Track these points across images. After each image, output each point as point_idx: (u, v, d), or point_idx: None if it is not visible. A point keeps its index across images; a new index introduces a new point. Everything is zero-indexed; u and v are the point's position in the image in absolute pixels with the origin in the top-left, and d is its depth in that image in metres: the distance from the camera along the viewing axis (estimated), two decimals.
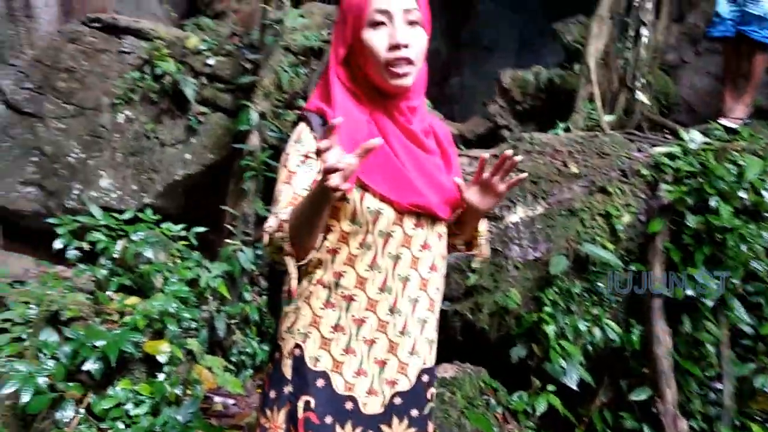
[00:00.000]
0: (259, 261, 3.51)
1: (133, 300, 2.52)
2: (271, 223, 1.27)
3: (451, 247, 1.55)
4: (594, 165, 3.43)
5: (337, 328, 1.32)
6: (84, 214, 3.41)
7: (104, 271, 2.63)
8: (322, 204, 1.17)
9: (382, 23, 1.29)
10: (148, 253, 2.70)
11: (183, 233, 3.11)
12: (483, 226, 1.57)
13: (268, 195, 3.71)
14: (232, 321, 3.30)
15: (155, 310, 2.37)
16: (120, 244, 2.74)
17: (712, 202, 2.92)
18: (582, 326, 3.05)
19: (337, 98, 1.32)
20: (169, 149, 4.12)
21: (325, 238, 1.34)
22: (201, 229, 3.15)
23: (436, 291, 1.42)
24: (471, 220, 1.49)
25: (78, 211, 4.15)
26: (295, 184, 1.30)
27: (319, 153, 1.07)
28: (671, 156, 3.27)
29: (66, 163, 4.24)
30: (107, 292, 2.58)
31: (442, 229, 1.43)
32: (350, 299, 1.33)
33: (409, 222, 1.34)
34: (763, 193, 2.90)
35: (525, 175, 1.43)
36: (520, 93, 5.67)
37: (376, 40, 1.29)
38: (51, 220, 2.80)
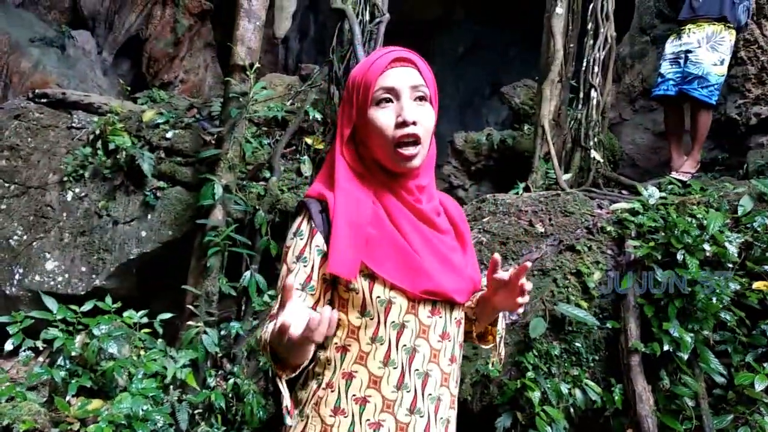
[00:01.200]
0: (224, 342, 3.32)
1: (95, 404, 2.28)
2: (260, 336, 1.17)
3: (464, 335, 1.43)
4: (560, 223, 3.48)
5: None
6: (26, 302, 3.15)
7: (62, 373, 2.37)
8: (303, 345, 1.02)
9: (389, 101, 1.25)
10: (112, 349, 2.48)
11: (145, 320, 2.90)
12: (501, 324, 1.45)
13: (232, 272, 3.56)
14: (196, 411, 3.05)
15: (122, 414, 2.14)
16: (79, 340, 2.51)
17: (679, 256, 2.98)
18: (564, 389, 2.99)
19: (341, 181, 1.25)
20: (123, 227, 3.93)
21: (333, 334, 1.23)
22: (167, 316, 2.94)
23: (455, 385, 1.32)
24: (487, 308, 1.37)
25: (19, 299, 3.86)
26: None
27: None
28: (633, 212, 3.35)
29: (6, 246, 3.97)
30: (66, 397, 2.32)
31: (460, 314, 1.34)
32: (364, 402, 1.20)
33: (424, 310, 1.24)
34: (726, 244, 2.98)
35: (529, 264, 1.35)
36: (474, 154, 5.80)
37: (383, 118, 1.24)
38: (2, 318, 2.54)
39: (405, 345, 1.22)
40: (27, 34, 7.47)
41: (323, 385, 1.23)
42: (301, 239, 1.25)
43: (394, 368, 1.20)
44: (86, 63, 7.93)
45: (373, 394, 1.20)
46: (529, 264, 1.27)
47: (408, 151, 1.23)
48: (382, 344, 1.20)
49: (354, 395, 1.20)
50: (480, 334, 1.47)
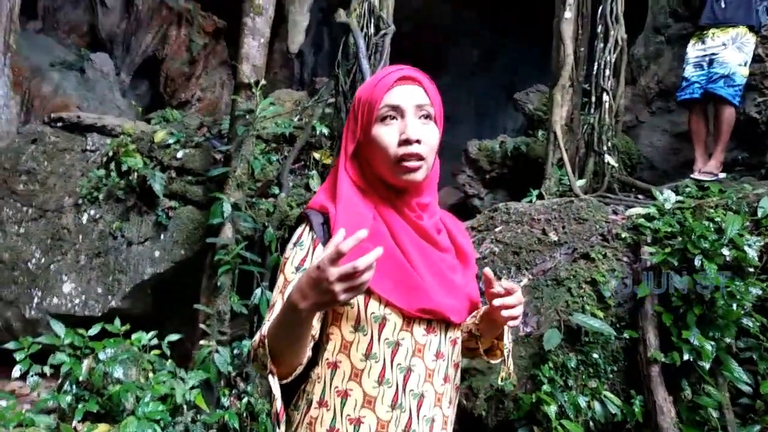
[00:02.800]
0: (237, 361, 3.31)
1: (102, 429, 2.28)
2: (255, 338, 1.16)
3: (470, 351, 1.42)
4: (573, 231, 3.41)
5: None
6: (45, 325, 3.19)
7: (69, 399, 2.38)
8: (293, 321, 1.05)
9: (394, 118, 1.25)
10: (118, 373, 2.49)
11: (155, 341, 2.91)
12: (507, 338, 1.42)
13: (243, 290, 3.56)
14: (210, 431, 3.05)
15: None
16: (86, 365, 2.52)
17: (697, 262, 2.89)
18: (582, 402, 2.92)
19: (344, 195, 1.25)
20: (137, 247, 3.97)
21: (325, 349, 1.22)
22: (174, 338, 2.94)
23: (448, 406, 1.28)
24: (490, 322, 1.35)
25: (39, 322, 3.92)
26: (286, 294, 1.18)
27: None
28: (649, 217, 3.27)
29: (25, 269, 4.04)
30: (73, 422, 2.33)
31: (455, 333, 1.31)
32: (358, 422, 1.18)
33: (419, 329, 1.22)
34: (745, 248, 2.89)
35: (526, 281, 1.34)
36: (488, 162, 5.75)
37: (387, 135, 1.24)
38: (10, 345, 2.57)
39: (400, 364, 1.20)
40: (47, 59, 7.66)
41: (315, 405, 1.21)
42: (302, 249, 1.24)
43: (389, 387, 1.18)
44: (105, 84, 8.09)
45: (368, 414, 1.18)
46: (517, 286, 1.25)
47: (411, 163, 1.22)
48: (376, 362, 1.18)
49: (348, 415, 1.18)
50: (487, 350, 1.44)
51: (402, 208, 1.26)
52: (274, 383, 1.12)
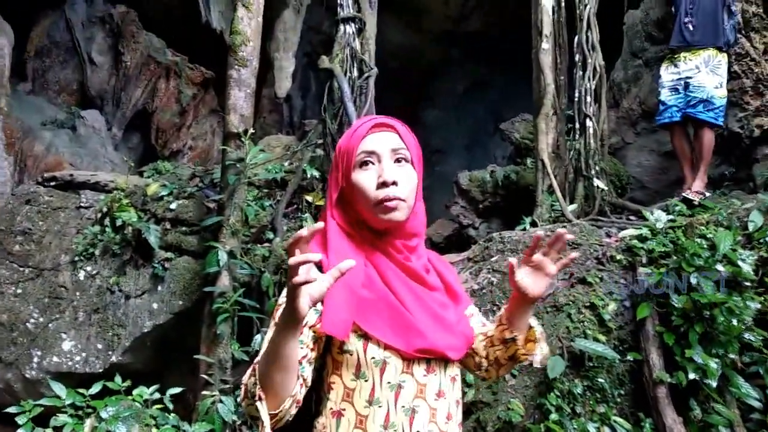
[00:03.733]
0: (241, 409, 3.27)
1: None
2: (246, 374, 1.17)
3: (511, 360, 1.38)
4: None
5: None
6: (46, 384, 3.15)
7: None
8: (288, 328, 1.06)
9: (371, 163, 1.29)
10: (120, 430, 2.46)
11: (157, 395, 2.88)
12: (535, 322, 1.42)
13: (243, 336, 3.55)
14: None
15: None
16: (88, 425, 2.49)
17: (693, 280, 2.91)
18: (591, 428, 2.89)
19: (333, 242, 1.28)
20: (135, 301, 3.95)
21: (327, 399, 1.22)
22: (176, 390, 2.92)
23: None
24: (522, 313, 1.34)
25: (40, 382, 3.87)
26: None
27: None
28: (642, 238, 3.30)
29: (24, 330, 4.01)
30: None
31: (454, 371, 1.32)
32: None
33: (419, 369, 1.24)
34: (739, 263, 2.91)
35: (576, 254, 1.36)
36: (480, 192, 5.80)
37: (365, 179, 1.28)
38: (11, 409, 2.54)
39: (404, 406, 1.21)
40: (39, 119, 7.75)
41: None
42: None
43: (395, 431, 1.19)
44: (97, 140, 8.18)
45: None
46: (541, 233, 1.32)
47: (389, 203, 1.25)
48: (380, 407, 1.19)
49: None
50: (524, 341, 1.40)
51: (389, 250, 1.29)
52: (263, 409, 1.10)
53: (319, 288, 1.03)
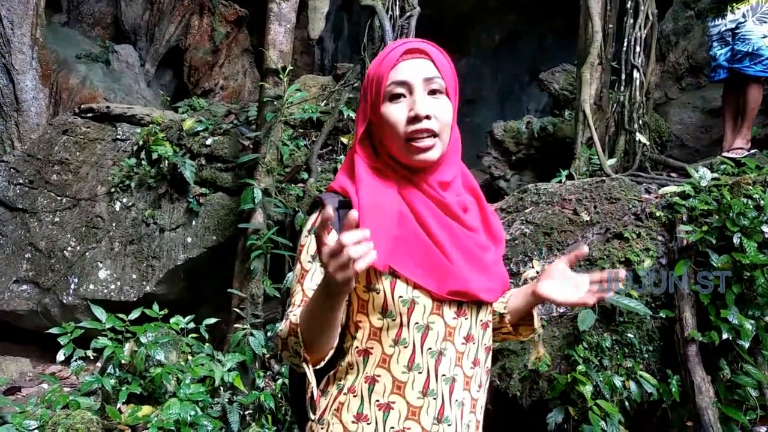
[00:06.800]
0: (271, 343, 3.36)
1: (145, 410, 2.33)
2: (282, 327, 1.14)
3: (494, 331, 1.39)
4: (605, 211, 3.36)
5: None
6: (82, 310, 3.27)
7: (113, 381, 2.44)
8: (332, 299, 1.02)
9: (402, 95, 1.18)
10: (159, 356, 2.53)
11: (192, 325, 2.96)
12: (537, 321, 1.41)
13: (276, 273, 3.60)
14: (246, 412, 3.10)
15: (171, 420, 2.19)
16: (128, 348, 2.58)
17: (735, 239, 2.84)
18: (617, 382, 2.90)
19: (362, 176, 1.20)
20: (169, 234, 4.03)
21: (354, 338, 1.19)
22: (212, 321, 3.00)
23: (477, 390, 1.24)
24: (525, 306, 1.36)
25: (76, 307, 4.01)
26: (306, 283, 1.17)
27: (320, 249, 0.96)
28: (684, 195, 3.21)
29: (61, 257, 4.13)
30: (117, 404, 2.39)
31: (486, 316, 1.26)
32: (387, 408, 1.14)
33: (449, 311, 1.17)
34: None
35: (624, 273, 1.35)
36: (514, 143, 5.69)
37: (396, 113, 1.17)
38: (54, 330, 2.64)
39: (431, 348, 1.16)
40: (73, 51, 7.74)
41: (345, 390, 1.19)
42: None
43: (419, 373, 1.14)
44: (130, 76, 8.16)
45: (398, 400, 1.14)
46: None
47: (422, 143, 1.16)
48: (405, 347, 1.14)
49: (377, 401, 1.15)
50: (515, 326, 1.42)
51: (422, 185, 1.20)
52: (309, 371, 1.10)
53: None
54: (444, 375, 1.16)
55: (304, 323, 1.08)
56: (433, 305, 1.15)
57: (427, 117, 1.15)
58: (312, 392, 1.14)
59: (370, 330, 1.17)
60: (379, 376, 1.15)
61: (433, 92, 1.18)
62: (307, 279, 1.17)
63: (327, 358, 1.13)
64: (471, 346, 1.20)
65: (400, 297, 1.13)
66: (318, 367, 1.13)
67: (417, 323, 1.14)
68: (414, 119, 1.15)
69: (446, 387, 1.16)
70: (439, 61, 1.21)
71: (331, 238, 1.05)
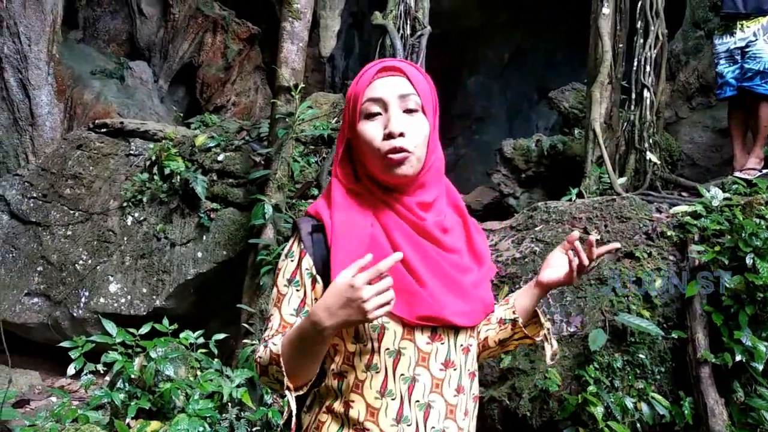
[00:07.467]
0: None
1: (154, 426, 2.33)
2: (261, 354, 1.14)
3: (502, 344, 1.41)
4: (616, 230, 3.35)
5: None
6: (92, 323, 3.28)
7: (122, 396, 2.45)
8: (314, 339, 1.04)
9: (378, 113, 1.18)
10: (168, 371, 2.54)
11: (201, 340, 2.97)
12: (543, 319, 1.42)
13: None
14: (254, 428, 3.09)
15: None
16: (137, 363, 2.58)
17: (748, 260, 2.82)
18: (629, 403, 2.86)
19: (336, 199, 1.20)
20: (180, 248, 4.05)
21: (332, 360, 1.19)
22: (221, 336, 3.00)
23: (464, 418, 1.21)
24: (531, 301, 1.39)
25: (86, 320, 4.03)
26: (283, 308, 1.17)
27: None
28: (695, 215, 3.19)
29: (73, 270, 4.16)
30: (126, 419, 2.39)
31: (467, 341, 1.23)
32: None
33: (422, 337, 1.15)
34: None
35: (617, 245, 1.47)
36: (523, 161, 5.70)
37: (371, 130, 1.17)
38: (65, 344, 2.66)
39: (403, 374, 1.14)
40: (88, 68, 7.87)
41: (324, 409, 1.20)
42: (292, 261, 1.21)
43: (392, 399, 1.13)
44: (144, 92, 8.28)
45: (371, 426, 1.13)
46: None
47: (397, 156, 1.15)
48: (377, 372, 1.14)
49: (354, 425, 1.14)
50: (524, 325, 1.41)
51: (399, 208, 1.19)
52: (291, 398, 1.10)
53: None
54: (418, 401, 1.14)
55: (288, 355, 1.08)
56: (403, 330, 1.14)
57: (401, 134, 1.15)
58: (291, 415, 1.13)
59: (345, 354, 1.17)
60: (353, 401, 1.15)
61: (409, 111, 1.18)
62: (284, 303, 1.18)
63: (310, 384, 1.13)
64: (452, 372, 1.18)
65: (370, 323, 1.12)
66: (300, 393, 1.13)
67: (388, 349, 1.14)
68: (388, 136, 1.15)
69: (420, 413, 1.14)
70: (415, 79, 1.21)
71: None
